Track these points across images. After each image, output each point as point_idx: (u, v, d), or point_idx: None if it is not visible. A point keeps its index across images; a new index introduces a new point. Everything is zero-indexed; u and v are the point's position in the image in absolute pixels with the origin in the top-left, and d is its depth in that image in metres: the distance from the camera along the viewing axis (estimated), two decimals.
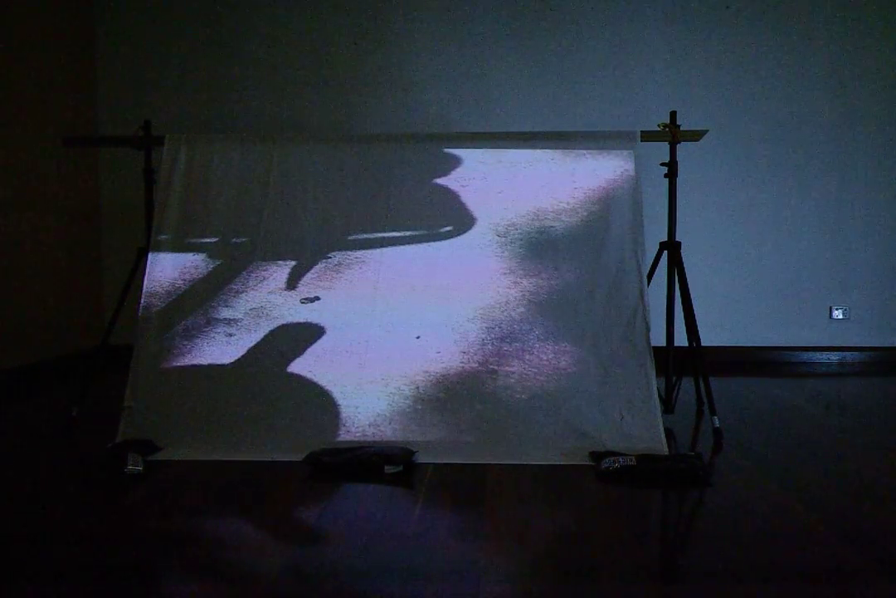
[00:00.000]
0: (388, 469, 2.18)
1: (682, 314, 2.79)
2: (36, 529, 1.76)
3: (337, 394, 2.55)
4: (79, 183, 4.22)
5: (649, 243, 2.70)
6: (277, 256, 2.71)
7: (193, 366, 2.61)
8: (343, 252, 2.71)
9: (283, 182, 2.76)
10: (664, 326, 2.90)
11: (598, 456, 2.27)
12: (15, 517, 1.85)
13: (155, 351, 2.62)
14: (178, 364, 2.61)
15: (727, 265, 4.39)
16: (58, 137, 3.71)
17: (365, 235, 2.73)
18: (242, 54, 4.35)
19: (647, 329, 2.58)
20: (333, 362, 2.59)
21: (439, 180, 2.75)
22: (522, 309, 2.63)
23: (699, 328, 2.78)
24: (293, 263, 2.71)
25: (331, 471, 2.20)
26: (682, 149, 2.91)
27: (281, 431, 2.47)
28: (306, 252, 2.71)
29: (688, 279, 2.78)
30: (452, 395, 2.53)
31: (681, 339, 2.88)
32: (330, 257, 2.71)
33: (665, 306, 2.90)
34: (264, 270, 2.70)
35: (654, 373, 2.54)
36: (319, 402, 2.54)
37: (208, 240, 2.73)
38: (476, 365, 2.57)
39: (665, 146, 2.82)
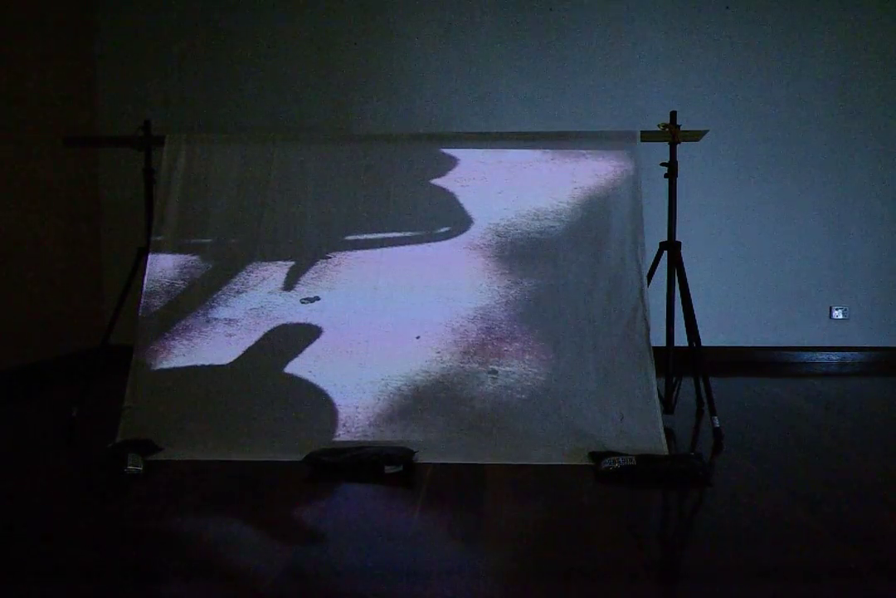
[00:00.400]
0: (388, 469, 2.18)
1: (682, 314, 2.79)
2: (36, 529, 1.76)
3: (337, 394, 2.55)
4: (79, 183, 4.22)
5: (649, 243, 2.70)
6: (277, 256, 2.71)
7: (193, 366, 2.61)
8: (343, 252, 2.71)
9: (283, 182, 2.76)
10: (664, 326, 2.90)
11: (598, 456, 2.27)
12: (15, 517, 1.85)
13: (155, 351, 2.63)
14: (178, 364, 2.61)
15: (727, 265, 4.38)
16: (58, 137, 3.71)
17: (365, 236, 2.73)
18: (242, 54, 4.35)
19: (647, 329, 2.57)
20: (333, 362, 2.59)
21: (440, 180, 2.75)
22: (522, 309, 2.63)
23: (699, 328, 2.78)
24: (293, 263, 2.71)
25: (331, 471, 2.20)
26: (682, 149, 2.91)
27: (281, 431, 2.47)
28: (306, 252, 2.71)
29: (688, 279, 2.78)
30: (452, 395, 2.53)
31: (681, 339, 2.88)
32: (330, 257, 2.71)
33: (665, 306, 2.90)
34: (264, 270, 2.70)
35: (654, 373, 2.54)
36: (319, 402, 2.54)
37: (208, 240, 2.73)
38: (476, 365, 2.57)
39: (665, 146, 2.82)
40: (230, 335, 2.63)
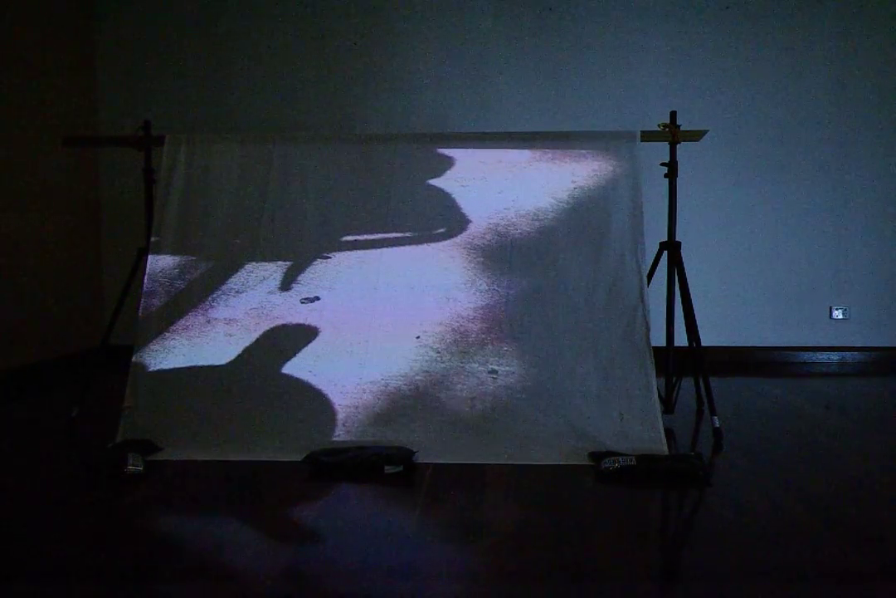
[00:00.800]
0: (388, 469, 2.18)
1: (682, 314, 2.79)
2: (36, 529, 1.76)
3: (337, 394, 2.55)
4: (79, 183, 4.22)
5: (649, 243, 2.70)
6: (277, 256, 2.71)
7: (193, 366, 2.61)
8: (343, 252, 2.71)
9: (283, 182, 2.76)
10: (664, 326, 2.89)
11: (598, 456, 2.27)
12: (15, 517, 1.85)
13: (155, 351, 2.62)
14: (178, 364, 2.61)
15: (727, 265, 4.38)
16: (58, 137, 3.71)
17: (365, 236, 2.73)
18: (242, 54, 4.35)
19: (647, 329, 2.57)
20: (333, 362, 2.59)
21: (440, 180, 2.75)
22: (522, 309, 2.63)
23: (699, 328, 2.78)
24: (293, 263, 2.71)
25: (331, 471, 2.20)
26: (682, 149, 2.91)
27: (281, 431, 2.47)
28: (306, 252, 2.71)
29: (688, 279, 2.78)
30: (452, 395, 2.53)
31: (681, 339, 2.88)
32: (330, 257, 2.71)
33: (665, 306, 2.90)
34: (264, 270, 2.70)
35: (654, 373, 2.54)
36: (319, 402, 2.54)
37: (208, 240, 2.73)
38: (476, 365, 2.57)
39: (665, 146, 2.82)
40: (230, 335, 2.63)
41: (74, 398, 2.87)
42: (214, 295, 2.68)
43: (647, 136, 2.75)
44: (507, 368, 2.57)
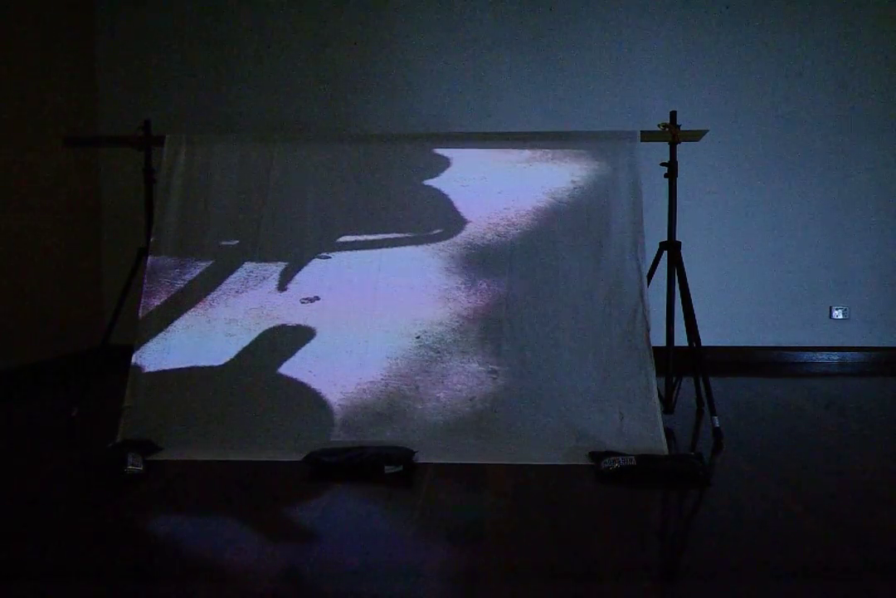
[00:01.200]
0: (388, 469, 2.18)
1: (682, 314, 2.79)
2: (36, 529, 1.76)
3: (337, 394, 2.55)
4: (79, 183, 4.22)
5: (649, 243, 2.70)
6: (277, 256, 2.71)
7: (193, 366, 2.61)
8: (343, 252, 2.71)
9: (283, 182, 2.76)
10: (664, 326, 2.90)
11: (598, 456, 2.27)
12: (15, 517, 1.85)
13: (155, 351, 2.62)
14: (178, 364, 2.61)
15: (727, 265, 4.38)
16: (58, 137, 3.71)
17: (365, 236, 2.73)
18: (242, 54, 4.35)
19: (647, 329, 2.57)
20: (333, 362, 2.59)
21: (440, 180, 2.75)
22: (522, 309, 2.63)
23: (699, 328, 2.78)
24: (293, 263, 2.71)
25: (331, 471, 2.20)
26: (682, 149, 2.91)
27: (281, 431, 2.47)
28: (306, 252, 2.71)
29: (688, 279, 2.78)
30: (452, 395, 2.53)
31: (681, 339, 2.88)
32: (329, 257, 2.71)
33: (665, 306, 2.90)
34: (264, 270, 2.70)
35: (654, 373, 2.54)
36: (319, 402, 2.54)
37: (208, 240, 2.73)
38: (476, 365, 2.57)
39: (665, 146, 2.82)
40: (230, 335, 2.63)
41: (74, 398, 2.87)
42: (214, 295, 2.68)
43: (647, 136, 2.75)
44: (507, 368, 2.56)
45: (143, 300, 2.66)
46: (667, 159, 2.81)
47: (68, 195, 4.11)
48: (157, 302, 2.67)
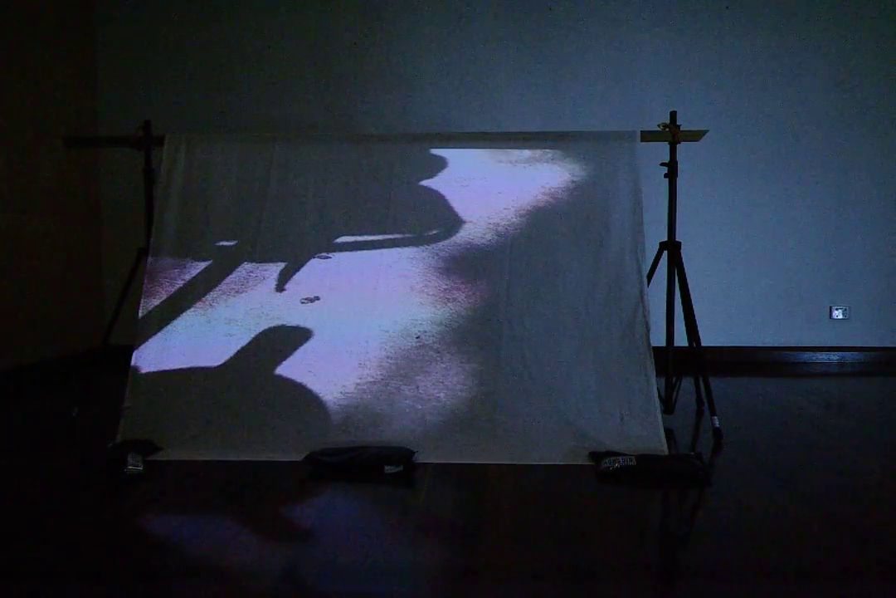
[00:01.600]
0: (388, 469, 2.18)
1: (682, 314, 2.79)
2: (36, 529, 1.76)
3: (337, 394, 2.55)
4: (79, 183, 4.22)
5: (649, 243, 2.70)
6: (277, 256, 2.71)
7: (193, 366, 2.61)
8: (343, 252, 2.71)
9: (283, 182, 2.76)
10: (664, 326, 2.90)
11: (598, 456, 2.27)
12: (15, 517, 1.85)
13: (155, 351, 2.62)
14: (178, 364, 2.61)
15: (727, 265, 4.39)
16: (58, 137, 3.71)
17: (365, 236, 2.73)
18: (242, 54, 4.35)
19: (647, 329, 2.57)
20: (333, 362, 2.59)
21: (440, 180, 2.75)
22: (522, 309, 2.63)
23: (699, 328, 2.78)
24: (293, 263, 2.71)
25: (331, 471, 2.20)
26: (682, 149, 2.91)
27: (281, 431, 2.47)
28: (306, 252, 2.71)
29: (688, 279, 2.78)
30: (452, 395, 2.53)
31: (681, 339, 2.88)
32: (329, 257, 2.71)
33: (665, 306, 2.90)
34: (264, 270, 2.70)
35: (654, 373, 2.54)
36: (319, 402, 2.54)
37: (208, 240, 2.73)
38: (476, 365, 2.57)
39: (665, 146, 2.82)
40: (230, 335, 2.63)
41: (74, 398, 2.87)
42: (214, 295, 2.68)
43: (647, 136, 2.75)
44: (507, 368, 2.56)
45: (142, 300, 2.66)
46: (667, 159, 2.81)
47: (68, 195, 4.11)
48: (156, 302, 2.67)
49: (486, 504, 1.94)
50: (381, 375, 2.57)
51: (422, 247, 2.70)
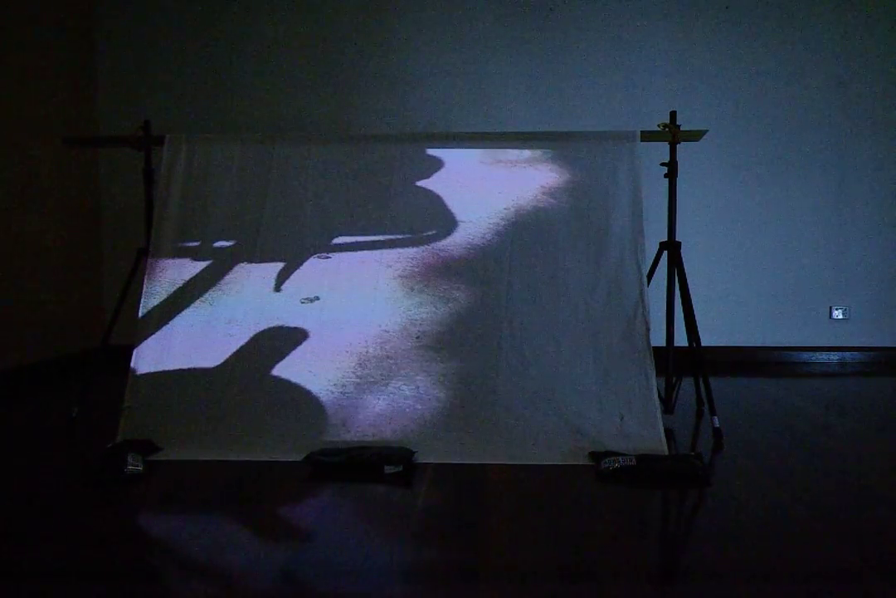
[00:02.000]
0: (388, 469, 2.18)
1: (682, 314, 2.79)
2: (36, 529, 1.76)
3: (337, 394, 2.55)
4: (79, 183, 4.22)
5: (649, 243, 2.70)
6: (277, 256, 2.71)
7: (193, 366, 2.61)
8: (343, 252, 2.71)
9: (283, 182, 2.76)
10: (664, 326, 2.89)
11: (598, 456, 2.27)
12: (15, 517, 1.85)
13: (155, 351, 2.62)
14: (178, 364, 2.61)
15: (727, 265, 4.38)
16: (58, 137, 3.71)
17: (365, 236, 2.73)
18: (242, 54, 4.35)
19: (647, 329, 2.57)
20: (333, 362, 2.59)
21: (439, 180, 2.75)
22: (522, 309, 2.62)
23: (699, 328, 2.78)
24: (293, 263, 2.71)
25: (331, 471, 2.20)
26: (682, 149, 2.91)
27: (281, 431, 2.47)
28: (306, 252, 2.71)
29: (688, 279, 2.78)
30: (452, 395, 2.53)
31: (681, 339, 2.88)
32: (329, 257, 2.71)
33: (665, 306, 2.90)
34: (264, 270, 2.70)
35: (654, 373, 2.54)
36: (319, 401, 2.54)
37: (208, 240, 2.73)
38: (476, 365, 2.57)
39: (665, 146, 2.82)
40: (230, 335, 2.63)
41: (74, 398, 2.87)
42: (214, 295, 2.68)
43: (647, 136, 2.74)
44: (508, 367, 2.56)
45: (142, 300, 2.66)
46: (667, 159, 2.81)
47: (68, 196, 4.11)
48: (156, 302, 2.67)
49: (486, 504, 1.94)
50: (381, 375, 2.57)
51: (422, 247, 2.70)
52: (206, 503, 1.96)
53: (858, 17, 4.29)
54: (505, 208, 2.71)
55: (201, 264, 2.71)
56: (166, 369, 2.60)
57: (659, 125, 2.77)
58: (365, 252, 2.71)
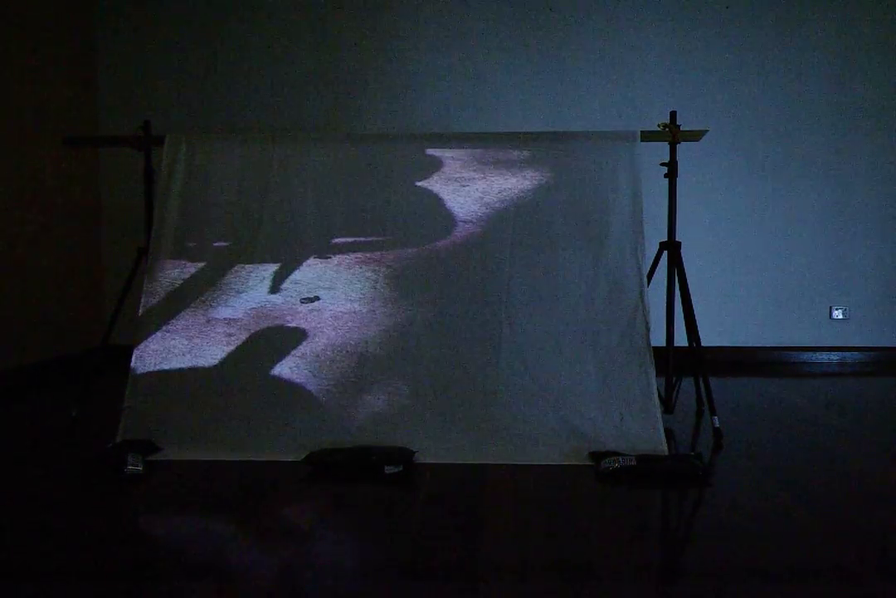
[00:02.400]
0: (388, 469, 2.18)
1: (682, 314, 2.79)
2: (36, 529, 1.76)
3: (337, 394, 2.55)
4: (79, 183, 4.22)
5: (649, 243, 2.70)
6: (277, 256, 2.71)
7: (193, 366, 2.61)
8: (343, 253, 2.71)
9: (283, 182, 2.76)
10: (664, 326, 2.89)
11: (598, 456, 2.27)
12: (15, 517, 1.85)
13: (155, 351, 2.62)
14: (178, 364, 2.61)
15: (727, 265, 4.38)
16: (58, 137, 3.71)
17: (365, 236, 2.73)
18: (242, 54, 4.35)
19: (647, 329, 2.57)
20: (333, 362, 2.59)
21: (439, 180, 2.75)
22: (522, 309, 2.62)
23: (699, 328, 2.78)
24: (292, 263, 2.71)
25: (331, 471, 2.20)
26: (682, 149, 2.91)
27: (281, 431, 2.47)
28: (306, 252, 2.71)
29: (688, 279, 2.78)
30: (452, 395, 2.53)
31: (681, 339, 2.88)
32: (330, 258, 2.71)
33: (665, 306, 2.90)
34: (264, 270, 2.70)
35: (654, 373, 2.54)
36: (319, 402, 2.54)
37: (208, 240, 2.73)
38: (476, 365, 2.57)
39: (665, 146, 2.82)
40: (230, 335, 2.63)
41: (74, 398, 2.87)
42: (214, 295, 2.68)
43: (647, 136, 2.74)
44: (507, 368, 2.56)
45: (143, 300, 2.66)
46: (667, 159, 2.81)
47: (68, 195, 4.11)
48: (156, 302, 2.67)
49: (485, 504, 1.94)
50: (381, 375, 2.57)
51: (421, 247, 2.70)
52: (206, 503, 1.96)
53: (859, 17, 4.29)
54: (504, 209, 2.71)
55: (201, 264, 2.71)
56: (166, 368, 2.60)
57: (659, 125, 2.77)
58: (365, 252, 2.71)
